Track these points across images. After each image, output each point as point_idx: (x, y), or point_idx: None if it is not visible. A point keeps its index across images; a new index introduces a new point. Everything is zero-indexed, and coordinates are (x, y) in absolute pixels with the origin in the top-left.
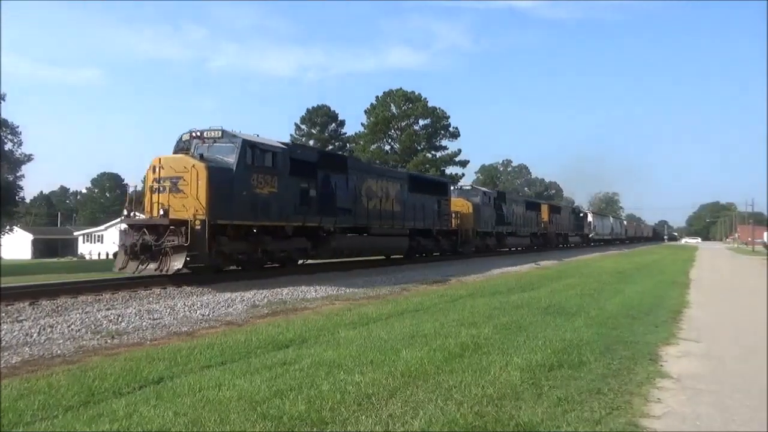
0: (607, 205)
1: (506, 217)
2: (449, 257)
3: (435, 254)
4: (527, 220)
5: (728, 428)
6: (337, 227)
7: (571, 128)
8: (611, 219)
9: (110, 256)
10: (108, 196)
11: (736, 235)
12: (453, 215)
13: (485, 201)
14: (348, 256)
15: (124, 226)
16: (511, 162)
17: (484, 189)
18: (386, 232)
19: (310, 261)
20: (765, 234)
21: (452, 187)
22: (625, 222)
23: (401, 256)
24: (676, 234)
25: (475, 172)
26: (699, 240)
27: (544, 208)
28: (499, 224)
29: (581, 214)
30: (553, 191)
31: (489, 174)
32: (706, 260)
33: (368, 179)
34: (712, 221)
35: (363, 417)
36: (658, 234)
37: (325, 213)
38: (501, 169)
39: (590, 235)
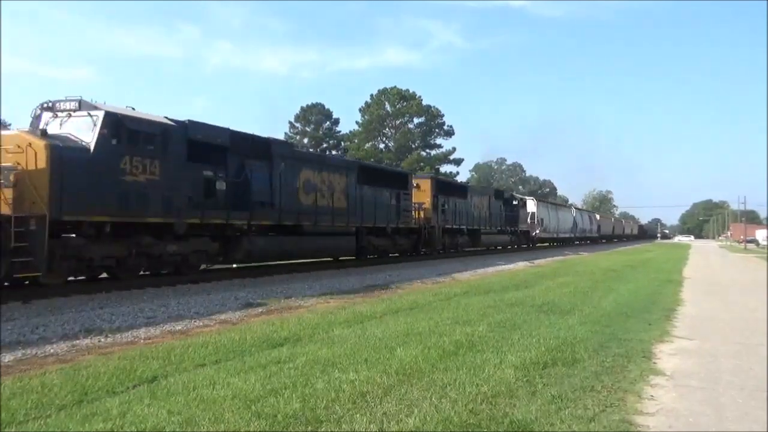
0: (601, 204)
1: (256, 194)
2: None
3: None
4: (361, 203)
5: (721, 425)
6: None
7: (567, 126)
8: (573, 211)
9: None
10: None
11: (729, 233)
12: None
13: (142, 143)
14: None
15: None
16: (506, 160)
17: (127, 113)
18: None
19: None
20: (757, 232)
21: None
22: (597, 216)
23: None
24: (668, 232)
25: (470, 170)
26: (692, 238)
27: (424, 185)
28: (234, 208)
29: (515, 202)
30: (548, 189)
31: (483, 172)
32: (699, 258)
33: None
34: (705, 219)
35: (357, 415)
36: (646, 232)
37: None
38: (495, 167)
39: (534, 233)
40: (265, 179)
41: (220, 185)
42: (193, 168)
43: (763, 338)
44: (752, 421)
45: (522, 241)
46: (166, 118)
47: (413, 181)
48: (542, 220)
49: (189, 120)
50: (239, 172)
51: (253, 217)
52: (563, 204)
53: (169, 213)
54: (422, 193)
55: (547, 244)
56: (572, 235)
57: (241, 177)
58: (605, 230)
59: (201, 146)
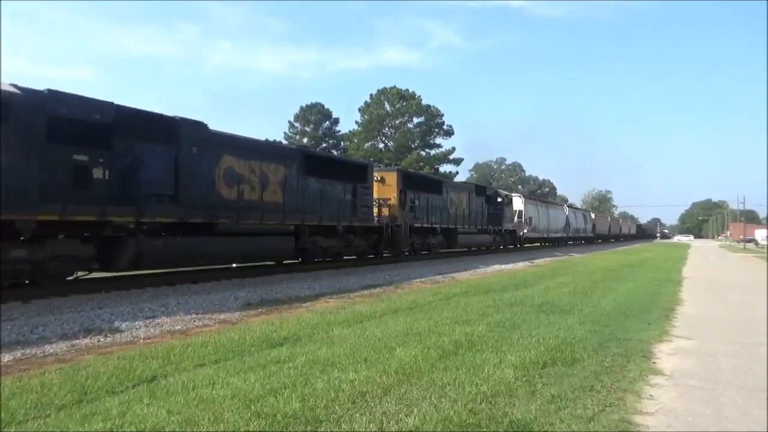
0: (600, 203)
1: (149, 184)
2: None
3: None
4: (303, 197)
5: (720, 424)
6: None
7: (567, 126)
8: (566, 210)
9: None
10: None
11: (728, 233)
12: None
13: None
14: None
15: None
16: (505, 160)
17: None
18: None
19: None
20: (756, 232)
21: None
22: (592, 215)
23: None
24: (667, 231)
25: (469, 170)
26: (691, 237)
27: (389, 179)
28: (115, 201)
29: (499, 199)
30: (547, 189)
31: (483, 172)
32: (698, 258)
33: None
34: (705, 219)
35: (357, 415)
36: (644, 232)
37: None
38: (495, 167)
39: (521, 233)
40: (165, 166)
41: (98, 173)
42: (55, 151)
43: (763, 338)
44: (751, 421)
45: (508, 241)
46: (12, 85)
47: (376, 174)
48: (530, 218)
49: (49, 90)
50: (128, 157)
51: (144, 212)
52: (554, 202)
53: (7, 208)
54: (387, 188)
55: (538, 244)
56: (564, 235)
57: (128, 163)
58: (601, 230)
59: (71, 124)
